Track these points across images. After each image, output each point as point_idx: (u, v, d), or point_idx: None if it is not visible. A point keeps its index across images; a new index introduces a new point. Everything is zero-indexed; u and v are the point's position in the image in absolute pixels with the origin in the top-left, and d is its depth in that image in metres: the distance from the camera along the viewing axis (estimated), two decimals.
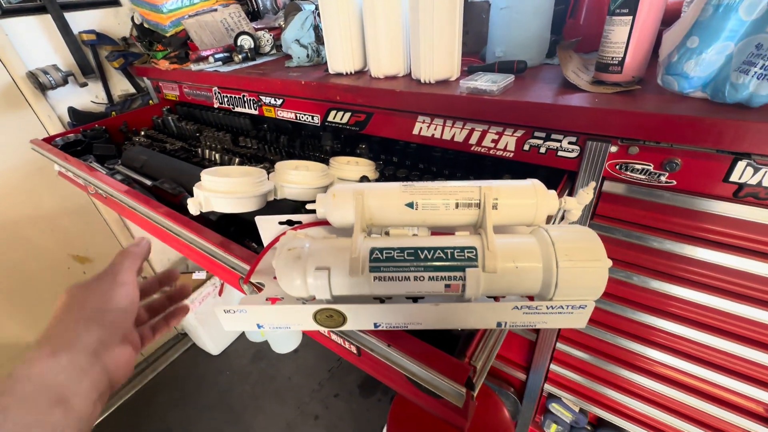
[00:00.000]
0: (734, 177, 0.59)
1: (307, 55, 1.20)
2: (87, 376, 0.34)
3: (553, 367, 1.07)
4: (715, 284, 0.72)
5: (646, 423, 0.99)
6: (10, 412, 0.29)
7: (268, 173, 0.74)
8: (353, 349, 0.59)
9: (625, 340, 0.89)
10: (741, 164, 0.58)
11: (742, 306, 0.70)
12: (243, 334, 2.14)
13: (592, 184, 0.49)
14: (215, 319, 1.98)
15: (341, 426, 1.66)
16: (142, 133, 1.48)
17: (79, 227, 1.66)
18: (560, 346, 1.02)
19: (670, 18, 0.71)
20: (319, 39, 1.22)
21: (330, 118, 1.04)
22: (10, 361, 1.55)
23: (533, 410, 1.21)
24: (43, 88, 1.36)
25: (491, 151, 0.81)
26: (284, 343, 2.03)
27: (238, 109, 1.29)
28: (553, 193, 0.49)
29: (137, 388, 1.92)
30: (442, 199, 0.48)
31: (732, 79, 0.56)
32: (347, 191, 0.49)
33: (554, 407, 1.14)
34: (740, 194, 0.60)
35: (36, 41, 1.38)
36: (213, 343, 2.03)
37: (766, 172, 0.56)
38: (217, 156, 1.20)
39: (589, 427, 1.12)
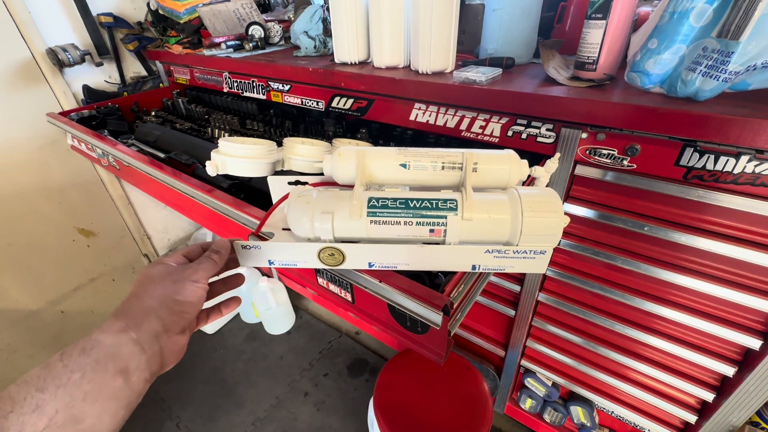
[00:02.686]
0: (683, 161, 0.68)
1: (315, 46, 1.29)
2: (145, 354, 0.39)
3: (530, 343, 1.16)
4: (675, 261, 0.81)
5: (613, 396, 1.09)
6: (87, 372, 0.35)
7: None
8: (348, 297, 0.67)
9: (596, 316, 0.98)
10: (689, 150, 0.67)
11: (699, 282, 0.79)
12: (238, 315, 2.21)
13: (558, 154, 0.58)
14: (212, 299, 2.04)
15: (329, 402, 1.73)
16: (153, 113, 1.56)
17: (85, 201, 1.72)
18: (536, 322, 1.11)
19: (640, 25, 0.81)
20: (327, 31, 1.31)
21: (334, 104, 1.12)
22: (12, 325, 1.61)
23: (510, 385, 1.29)
24: (61, 65, 1.43)
25: (479, 137, 0.90)
26: (278, 325, 2.10)
27: (246, 94, 1.37)
28: (524, 161, 0.58)
29: None
30: (431, 161, 0.57)
31: (683, 76, 0.65)
32: (351, 151, 0.58)
33: (529, 382, 1.23)
34: (688, 177, 0.69)
35: (56, 20, 1.45)
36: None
37: (708, 157, 0.66)
38: (225, 135, 1.28)
39: (560, 401, 1.21)
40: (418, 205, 0.52)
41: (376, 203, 0.52)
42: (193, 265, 0.49)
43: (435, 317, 0.50)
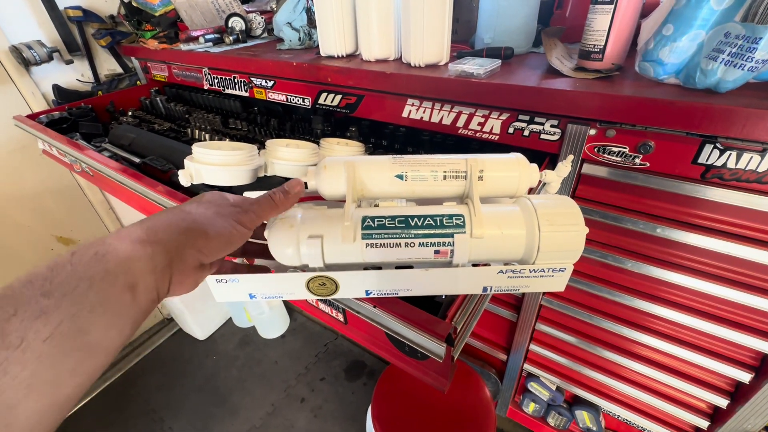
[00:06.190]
0: (702, 159, 0.63)
1: (299, 38, 1.21)
2: (155, 275, 0.36)
3: (533, 347, 1.12)
4: (688, 264, 0.76)
5: (620, 400, 1.05)
6: (95, 282, 0.31)
7: (259, 151, 0.75)
8: (340, 317, 0.61)
9: (601, 320, 0.93)
10: (708, 147, 0.61)
11: (713, 285, 0.74)
12: (230, 320, 2.15)
13: (570, 157, 0.52)
14: (202, 304, 1.98)
15: (327, 408, 1.69)
16: (130, 113, 1.47)
17: (63, 208, 1.63)
18: (540, 326, 1.06)
19: (649, 10, 0.75)
20: (311, 22, 1.22)
21: (321, 101, 1.05)
22: None
23: (513, 389, 1.25)
24: (27, 64, 1.33)
25: (477, 134, 0.83)
26: (271, 329, 2.04)
27: (228, 91, 1.29)
28: (534, 166, 0.52)
29: (122, 372, 1.91)
30: (431, 171, 0.50)
31: (702, 65, 0.59)
32: (338, 163, 0.51)
33: (532, 386, 1.19)
34: (707, 175, 0.64)
35: (19, 15, 1.34)
36: (199, 328, 2.03)
37: (730, 154, 0.60)
38: (206, 136, 1.20)
39: (565, 405, 1.17)
40: (420, 224, 0.45)
41: (371, 223, 0.46)
42: (245, 205, 0.44)
43: (437, 348, 0.44)
